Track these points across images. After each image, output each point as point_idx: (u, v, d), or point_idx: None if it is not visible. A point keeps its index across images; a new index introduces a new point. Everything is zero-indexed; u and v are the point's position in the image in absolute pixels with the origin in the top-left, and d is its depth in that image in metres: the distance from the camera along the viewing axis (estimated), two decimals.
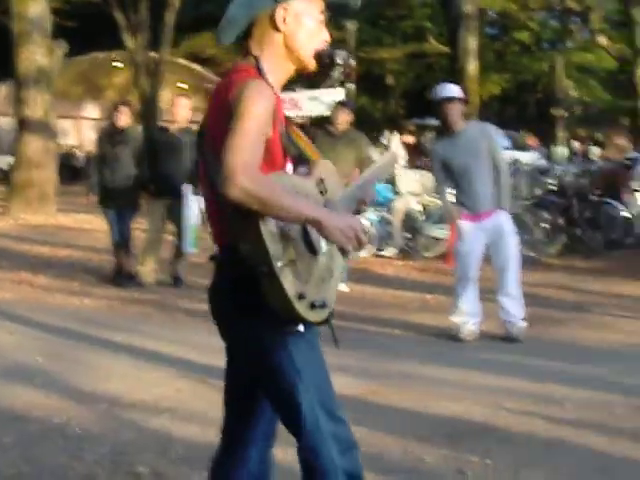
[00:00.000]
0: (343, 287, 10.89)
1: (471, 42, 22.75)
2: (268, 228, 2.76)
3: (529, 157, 23.45)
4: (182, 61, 35.09)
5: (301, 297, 2.83)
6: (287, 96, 32.15)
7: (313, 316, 2.91)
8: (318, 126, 11.92)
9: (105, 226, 11.25)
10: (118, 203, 10.83)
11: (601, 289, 11.06)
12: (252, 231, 2.76)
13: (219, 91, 2.99)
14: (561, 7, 36.63)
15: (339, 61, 3.13)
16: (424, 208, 14.15)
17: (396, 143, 3.97)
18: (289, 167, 3.04)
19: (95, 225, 14.51)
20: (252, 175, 2.71)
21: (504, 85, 40.22)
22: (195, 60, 36.03)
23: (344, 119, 11.04)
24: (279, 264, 2.76)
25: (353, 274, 11.25)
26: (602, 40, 34.04)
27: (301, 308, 2.84)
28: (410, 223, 14.02)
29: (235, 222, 2.82)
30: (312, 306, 2.89)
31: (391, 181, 14.46)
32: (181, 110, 10.92)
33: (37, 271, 11.64)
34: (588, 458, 5.10)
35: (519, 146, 28.07)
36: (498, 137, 8.28)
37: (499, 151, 8.28)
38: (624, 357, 7.63)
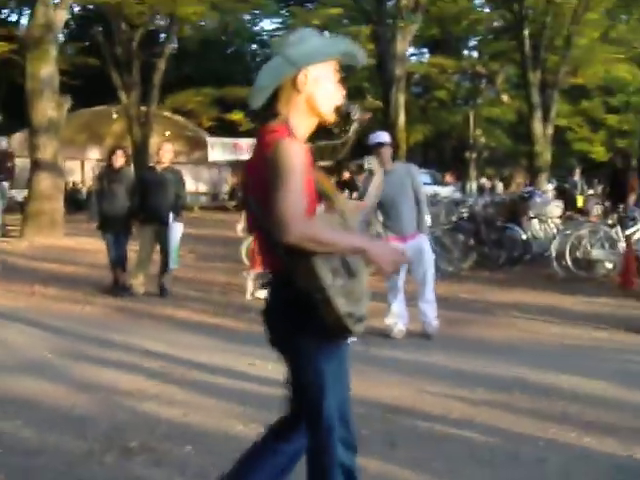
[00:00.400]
0: None
1: (400, 99, 22.90)
2: (320, 263, 2.74)
3: (447, 191, 23.65)
4: (167, 113, 34.97)
5: (350, 315, 2.82)
6: (252, 142, 32.31)
7: (358, 329, 2.90)
8: None
9: (104, 247, 11.17)
10: (114, 228, 10.79)
11: (504, 297, 11.14)
12: (307, 268, 2.73)
13: (257, 150, 2.94)
14: (472, 71, 37.21)
15: (354, 115, 3.04)
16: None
17: (376, 166, 3.89)
18: (320, 207, 2.98)
19: (95, 246, 14.34)
20: (303, 221, 2.70)
21: (427, 134, 40.49)
22: (177, 113, 35.92)
23: None
24: (332, 291, 2.75)
25: None
26: (505, 98, 34.53)
27: (351, 324, 2.83)
28: None
29: (290, 261, 2.79)
30: (359, 320, 2.88)
31: None
32: (166, 154, 10.95)
33: (47, 284, 11.52)
34: (495, 431, 5.14)
35: (439, 182, 28.28)
36: (420, 176, 8.37)
37: (420, 187, 8.36)
38: (522, 351, 7.70)
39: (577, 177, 21.59)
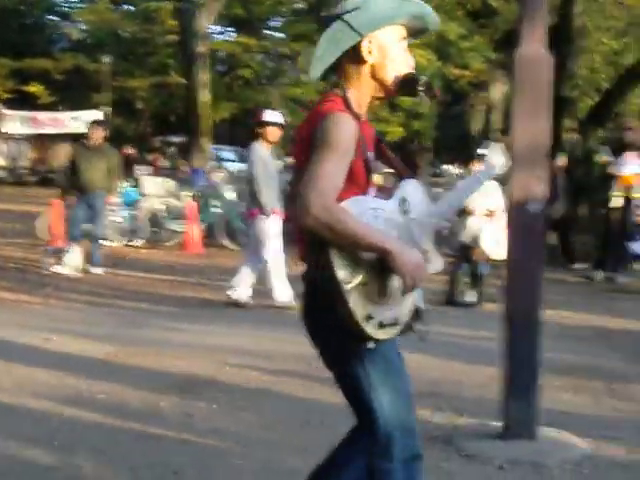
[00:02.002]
0: (99, 271, 10.66)
1: (203, 76, 22.75)
2: (338, 254, 2.39)
3: None
4: None
5: (369, 318, 2.44)
6: (52, 116, 31.15)
7: (382, 335, 2.49)
8: (77, 141, 11.63)
9: None
10: None
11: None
12: (322, 258, 2.39)
13: (308, 120, 2.60)
14: (276, 51, 37.50)
15: (423, 87, 2.63)
16: (166, 207, 14.10)
17: (496, 152, 3.36)
18: (372, 190, 2.62)
19: None
20: (326, 206, 2.34)
21: (233, 111, 40.48)
22: None
23: (98, 135, 10.87)
24: (348, 287, 2.39)
25: (108, 260, 11.03)
26: (308, 78, 34.87)
27: (369, 328, 2.44)
28: (154, 219, 13.96)
29: (309, 248, 2.48)
30: (381, 325, 2.48)
31: (137, 185, 14.43)
32: None
33: None
34: (291, 400, 5.26)
35: (244, 160, 28.39)
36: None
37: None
38: None
39: None
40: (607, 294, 10.13)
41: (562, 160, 12.49)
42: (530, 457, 4.22)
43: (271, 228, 8.30)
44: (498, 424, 4.49)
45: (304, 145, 2.55)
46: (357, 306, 2.41)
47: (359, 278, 2.42)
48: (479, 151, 8.96)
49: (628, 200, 10.93)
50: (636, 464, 4.18)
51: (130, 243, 13.53)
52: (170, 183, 15.30)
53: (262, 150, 8.50)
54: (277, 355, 6.38)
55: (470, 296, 9.01)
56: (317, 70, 2.64)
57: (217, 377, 5.72)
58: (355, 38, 2.58)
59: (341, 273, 2.38)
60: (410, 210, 2.62)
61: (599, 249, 11.49)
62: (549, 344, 4.66)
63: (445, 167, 18.70)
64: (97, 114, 28.17)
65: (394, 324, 2.54)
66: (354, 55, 2.61)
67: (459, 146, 34.45)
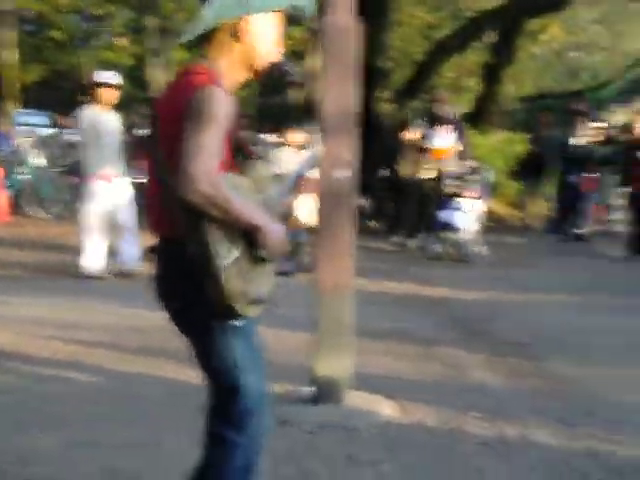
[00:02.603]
0: None
1: (9, 36, 21.83)
2: (215, 229, 2.39)
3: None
4: None
5: (241, 295, 2.47)
6: None
7: (251, 312, 2.53)
8: None
9: None
10: None
11: None
12: (200, 232, 2.38)
13: (175, 89, 2.56)
14: (88, 12, 36.44)
15: (291, 74, 2.58)
16: None
17: (317, 140, 3.59)
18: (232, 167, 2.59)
19: None
20: (212, 181, 2.33)
21: (43, 74, 39.01)
22: None
23: None
24: (224, 264, 2.40)
25: None
26: (122, 41, 34.26)
27: (240, 305, 2.48)
28: None
29: (184, 222, 2.42)
30: (250, 302, 2.51)
31: None
32: None
33: None
34: (102, 371, 5.18)
35: (57, 125, 27.54)
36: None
37: None
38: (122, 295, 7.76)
39: None
40: (420, 262, 10.53)
41: (412, 132, 12.38)
42: (339, 421, 4.35)
43: (94, 192, 8.13)
44: (310, 389, 4.59)
45: (172, 115, 2.51)
46: (232, 282, 2.44)
47: (234, 254, 2.45)
48: (313, 138, 9.00)
49: (440, 171, 11.34)
50: (441, 427, 4.36)
51: None
52: None
53: (92, 114, 8.24)
54: (85, 325, 6.29)
55: (287, 265, 9.12)
56: (192, 34, 2.63)
57: (20, 349, 5.59)
58: (241, 13, 2.60)
59: (219, 249, 2.41)
60: (263, 189, 2.66)
61: (413, 218, 11.87)
62: (363, 311, 4.77)
63: (263, 136, 18.71)
64: None
65: (260, 301, 2.58)
66: (233, 30, 2.61)
67: (278, 115, 34.66)
